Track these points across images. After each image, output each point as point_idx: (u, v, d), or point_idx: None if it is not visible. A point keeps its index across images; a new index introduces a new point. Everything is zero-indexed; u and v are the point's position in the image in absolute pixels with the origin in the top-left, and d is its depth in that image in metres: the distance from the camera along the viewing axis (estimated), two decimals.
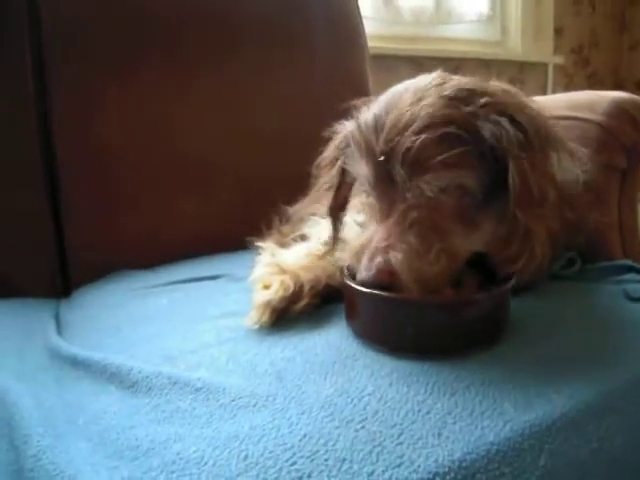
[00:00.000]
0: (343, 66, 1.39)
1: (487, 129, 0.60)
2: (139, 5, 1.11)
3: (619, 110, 0.94)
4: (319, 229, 0.83)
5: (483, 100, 0.61)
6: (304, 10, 1.33)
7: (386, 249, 0.58)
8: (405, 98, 0.63)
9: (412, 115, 0.60)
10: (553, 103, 1.01)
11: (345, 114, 0.72)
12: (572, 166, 0.71)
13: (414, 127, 0.59)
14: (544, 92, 2.47)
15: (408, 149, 0.58)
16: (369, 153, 0.62)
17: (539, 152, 0.62)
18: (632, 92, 0.99)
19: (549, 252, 0.65)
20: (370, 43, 1.51)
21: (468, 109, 0.60)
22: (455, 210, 0.62)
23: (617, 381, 0.56)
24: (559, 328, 0.65)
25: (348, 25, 1.43)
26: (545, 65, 2.54)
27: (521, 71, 2.45)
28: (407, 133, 0.58)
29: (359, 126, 0.64)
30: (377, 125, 0.62)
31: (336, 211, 0.75)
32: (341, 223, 0.75)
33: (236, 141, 1.19)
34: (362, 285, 0.59)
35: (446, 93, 0.62)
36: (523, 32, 2.44)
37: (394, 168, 0.59)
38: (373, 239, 0.60)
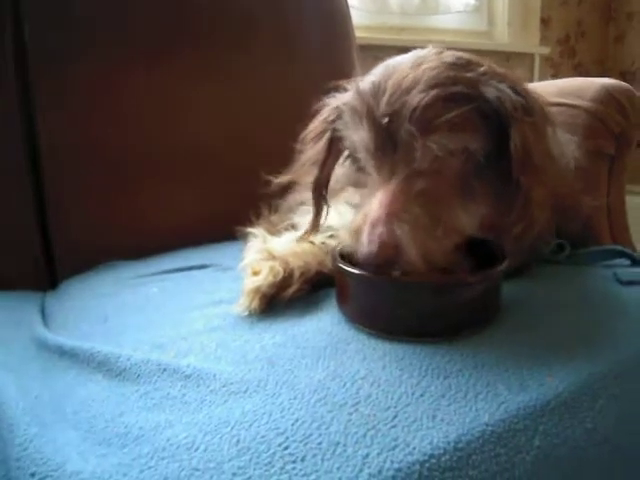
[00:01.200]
0: (332, 57, 1.38)
1: (490, 92, 0.59)
2: (133, 2, 1.10)
3: (607, 96, 0.94)
4: (309, 218, 0.82)
5: (482, 69, 0.61)
6: (292, 2, 1.32)
7: (389, 217, 0.56)
8: (404, 65, 0.61)
9: (415, 77, 0.58)
10: (543, 90, 1.01)
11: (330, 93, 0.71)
12: (567, 142, 0.71)
13: (420, 86, 0.57)
14: (531, 82, 2.47)
15: (415, 107, 0.56)
16: (369, 117, 0.59)
17: (538, 120, 0.62)
18: None
19: (549, 218, 0.65)
20: (357, 33, 1.51)
21: (470, 74, 0.60)
22: (457, 177, 0.60)
23: (609, 363, 0.56)
24: (551, 311, 0.64)
25: (336, 16, 1.42)
26: (532, 55, 2.54)
27: (508, 61, 2.45)
28: (413, 92, 0.57)
29: (356, 94, 0.62)
30: (377, 90, 0.60)
31: (321, 186, 0.73)
32: (325, 200, 0.74)
33: (229, 132, 1.19)
34: (364, 261, 0.57)
35: (446, 60, 0.61)
36: (510, 22, 2.44)
37: (400, 128, 0.57)
38: (373, 208, 0.57)
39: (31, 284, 0.99)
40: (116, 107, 1.08)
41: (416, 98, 0.56)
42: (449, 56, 0.62)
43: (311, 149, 0.72)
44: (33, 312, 0.80)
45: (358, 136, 0.62)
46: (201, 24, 1.17)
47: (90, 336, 0.66)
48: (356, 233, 0.59)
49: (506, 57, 2.45)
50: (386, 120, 0.58)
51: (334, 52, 1.40)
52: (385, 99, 0.59)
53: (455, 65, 0.61)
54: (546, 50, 2.57)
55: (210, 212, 1.13)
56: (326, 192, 0.73)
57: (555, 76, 2.68)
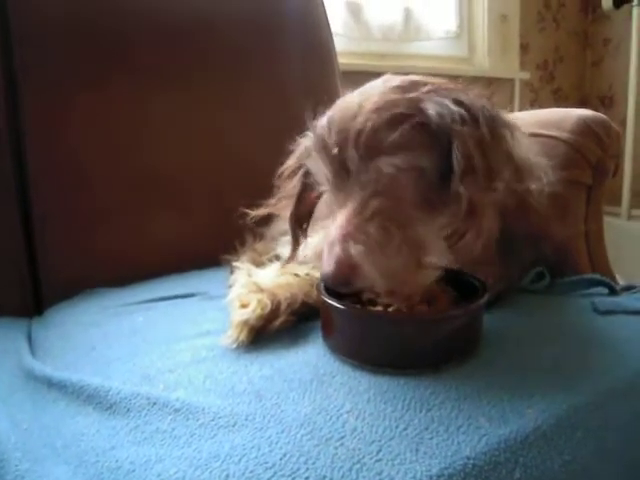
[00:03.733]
0: (315, 82, 1.40)
1: (431, 108, 0.60)
2: (111, 20, 1.12)
3: (585, 128, 0.97)
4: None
5: (426, 87, 0.63)
6: (276, 28, 1.35)
7: (344, 238, 0.58)
8: (353, 96, 0.65)
9: (360, 105, 0.62)
10: (521, 121, 1.04)
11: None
12: (542, 164, 0.72)
13: (363, 112, 0.60)
14: (511, 107, 2.52)
15: (359, 133, 0.59)
16: (324, 149, 0.63)
17: (486, 128, 0.62)
18: (596, 106, 1.02)
19: (496, 227, 0.66)
20: (340, 60, 1.54)
21: (411, 94, 0.62)
22: (414, 195, 0.61)
23: (587, 395, 0.57)
24: (530, 342, 0.66)
25: (319, 42, 1.45)
26: (512, 81, 2.59)
27: (489, 87, 2.49)
28: (357, 119, 0.60)
29: (315, 129, 0.66)
30: (331, 123, 0.63)
31: (297, 220, 0.75)
32: (303, 232, 0.76)
33: (209, 158, 1.20)
34: (325, 281, 0.60)
35: (391, 84, 0.64)
36: (490, 49, 2.49)
37: (348, 155, 0.60)
38: (331, 231, 0.60)
39: (17, 308, 1.00)
40: (101, 135, 1.09)
41: (358, 124, 0.60)
42: (395, 80, 0.65)
43: (287, 184, 0.75)
44: (20, 340, 0.80)
45: (319, 168, 0.65)
46: (179, 41, 1.19)
47: (77, 366, 0.67)
48: (319, 256, 0.62)
49: (487, 82, 2.49)
50: (336, 150, 0.61)
51: (316, 78, 1.42)
52: (334, 130, 0.62)
53: (398, 88, 0.63)
54: (526, 75, 2.62)
55: (195, 239, 1.14)
56: (307, 225, 0.75)
57: (535, 100, 2.73)
